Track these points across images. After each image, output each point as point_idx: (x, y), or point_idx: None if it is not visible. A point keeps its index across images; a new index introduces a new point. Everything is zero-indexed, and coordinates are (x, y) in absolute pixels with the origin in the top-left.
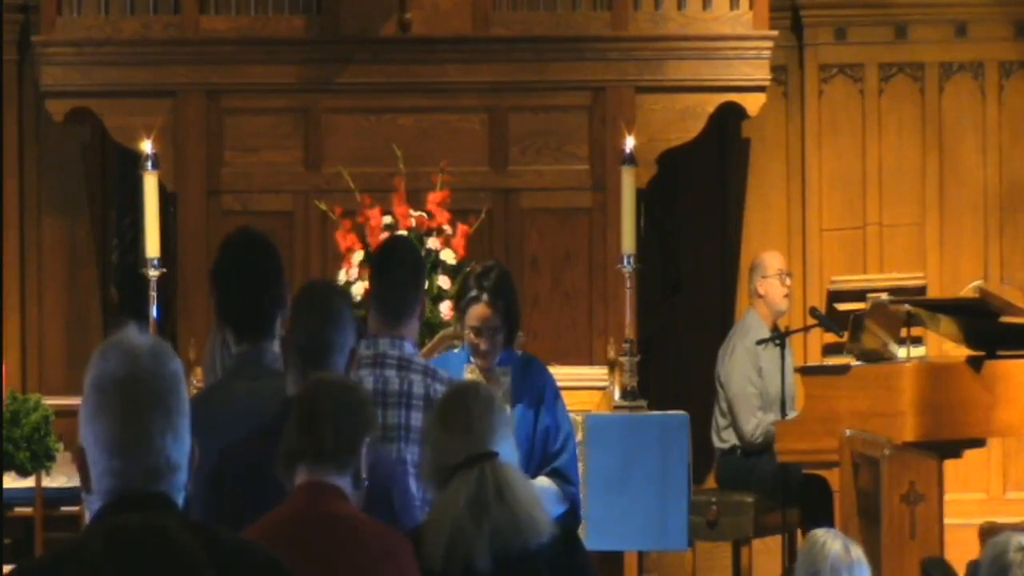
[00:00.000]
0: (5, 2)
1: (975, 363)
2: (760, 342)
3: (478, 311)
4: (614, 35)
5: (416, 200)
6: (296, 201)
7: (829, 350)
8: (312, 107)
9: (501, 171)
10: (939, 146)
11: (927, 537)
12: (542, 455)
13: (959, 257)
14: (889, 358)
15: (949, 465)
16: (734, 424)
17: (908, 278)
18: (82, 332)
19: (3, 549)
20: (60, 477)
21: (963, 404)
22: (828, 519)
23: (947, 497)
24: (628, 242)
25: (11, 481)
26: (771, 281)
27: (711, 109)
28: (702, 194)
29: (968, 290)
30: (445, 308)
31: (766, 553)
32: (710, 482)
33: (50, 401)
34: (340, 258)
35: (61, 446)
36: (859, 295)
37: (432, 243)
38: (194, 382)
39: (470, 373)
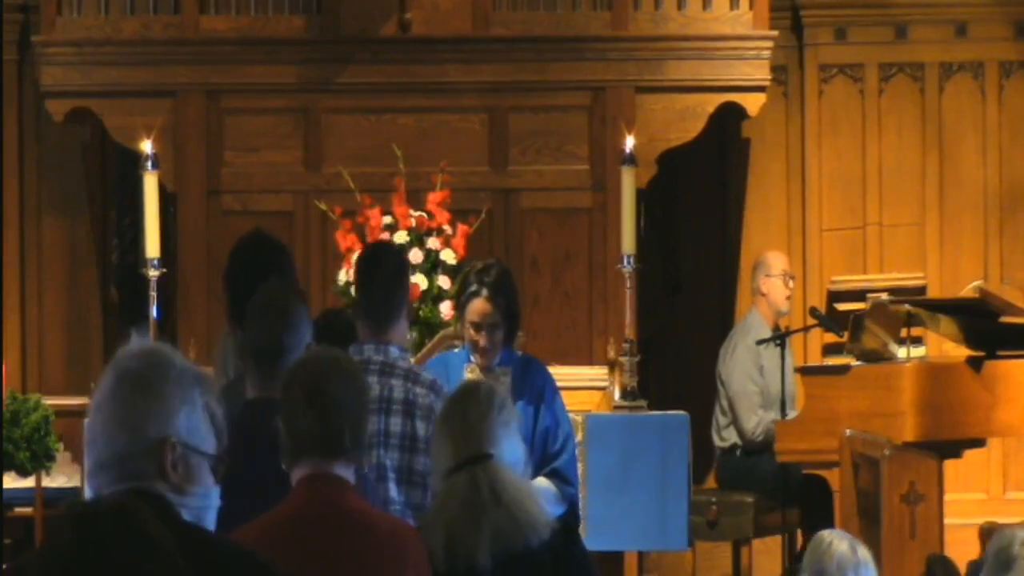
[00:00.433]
0: (5, 2)
1: (975, 363)
2: (760, 342)
3: (478, 306)
4: (614, 35)
5: (416, 200)
6: (296, 201)
7: (829, 350)
8: (312, 107)
9: (501, 171)
10: (939, 146)
11: (927, 537)
12: (541, 456)
13: (959, 257)
14: (889, 358)
15: (949, 465)
16: (735, 422)
17: (908, 278)
18: (82, 332)
19: (3, 549)
20: (60, 477)
21: (963, 404)
22: (828, 519)
23: (947, 497)
24: (628, 242)
25: (11, 481)
26: (774, 281)
27: (711, 109)
28: (702, 194)
29: (968, 290)
30: (445, 308)
31: (766, 553)
32: (710, 482)
33: (50, 401)
34: (340, 258)
35: (61, 446)
36: (859, 295)
37: (432, 243)
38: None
39: (470, 373)
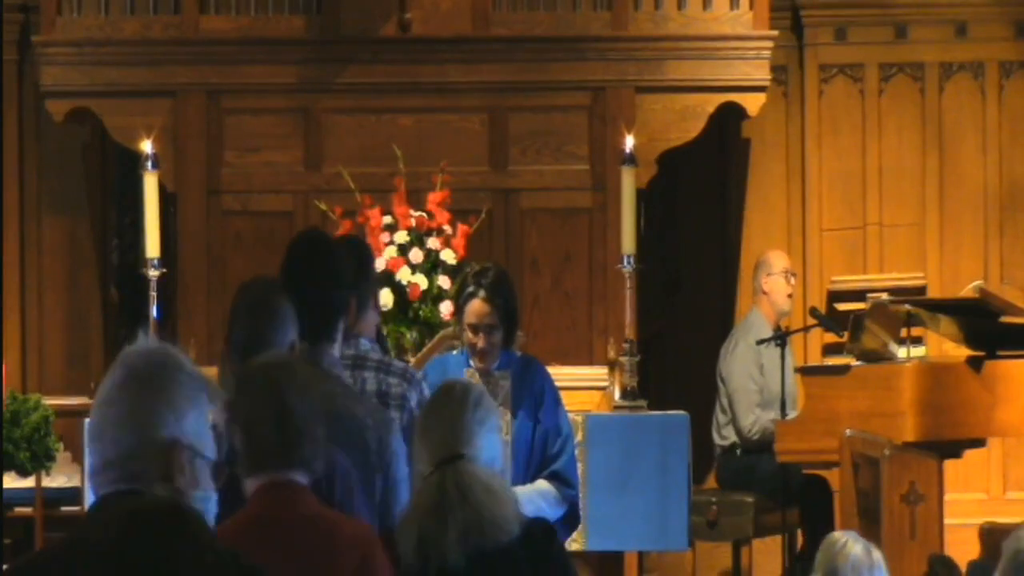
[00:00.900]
0: (5, 2)
1: (975, 363)
2: (760, 342)
3: (475, 307)
4: (614, 35)
5: (416, 200)
6: (296, 201)
7: (829, 350)
8: (312, 107)
9: (501, 171)
10: (939, 146)
11: (927, 537)
12: (541, 458)
13: (959, 257)
14: (889, 358)
15: (949, 465)
16: (733, 420)
17: (908, 278)
18: (82, 332)
19: (3, 549)
20: (60, 477)
21: (963, 404)
22: (828, 519)
23: (947, 497)
24: (628, 242)
25: (11, 481)
26: (776, 279)
27: (711, 109)
28: (702, 194)
29: (968, 290)
30: (445, 308)
31: (766, 553)
32: (710, 482)
33: (50, 401)
34: None
35: (61, 446)
36: (859, 295)
37: (432, 243)
38: None
39: (469, 377)
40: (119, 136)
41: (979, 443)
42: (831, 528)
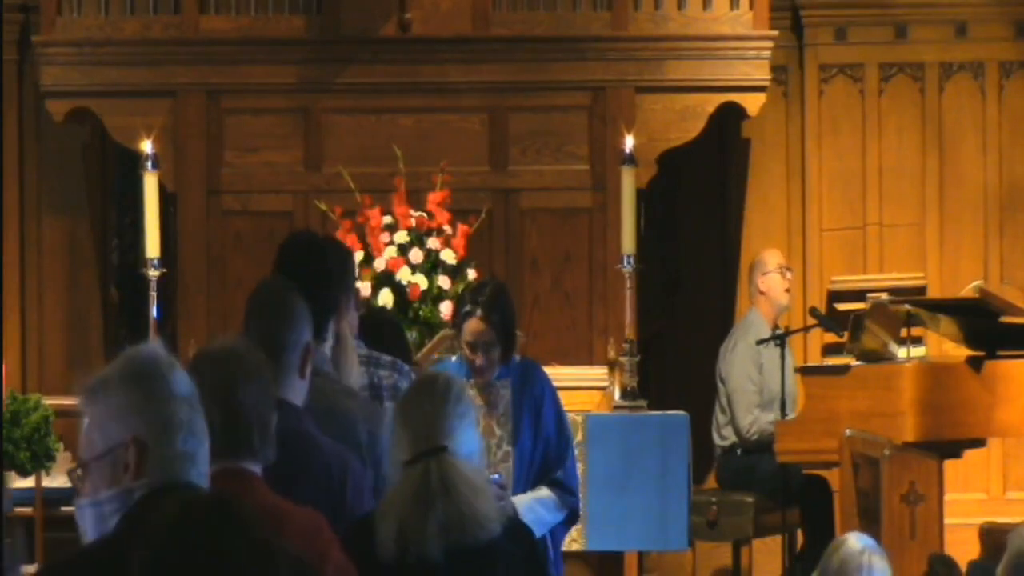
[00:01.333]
0: (5, 2)
1: (975, 363)
2: (760, 342)
3: (472, 326)
4: (614, 35)
5: (416, 200)
6: (296, 201)
7: (829, 350)
8: (312, 107)
9: (501, 171)
10: (939, 146)
11: (927, 537)
12: (542, 464)
13: (959, 257)
14: (889, 358)
15: (949, 465)
16: (731, 419)
17: (908, 278)
18: (82, 332)
19: (3, 549)
20: (60, 477)
21: (963, 404)
22: (828, 519)
23: (947, 497)
24: (628, 242)
25: (11, 481)
26: (772, 276)
27: (711, 109)
28: (702, 194)
29: (968, 290)
30: (445, 308)
31: (766, 553)
32: (710, 482)
33: (50, 401)
34: None
35: (61, 446)
36: (859, 295)
37: (432, 243)
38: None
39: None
40: (119, 136)
41: (979, 443)
42: (831, 528)
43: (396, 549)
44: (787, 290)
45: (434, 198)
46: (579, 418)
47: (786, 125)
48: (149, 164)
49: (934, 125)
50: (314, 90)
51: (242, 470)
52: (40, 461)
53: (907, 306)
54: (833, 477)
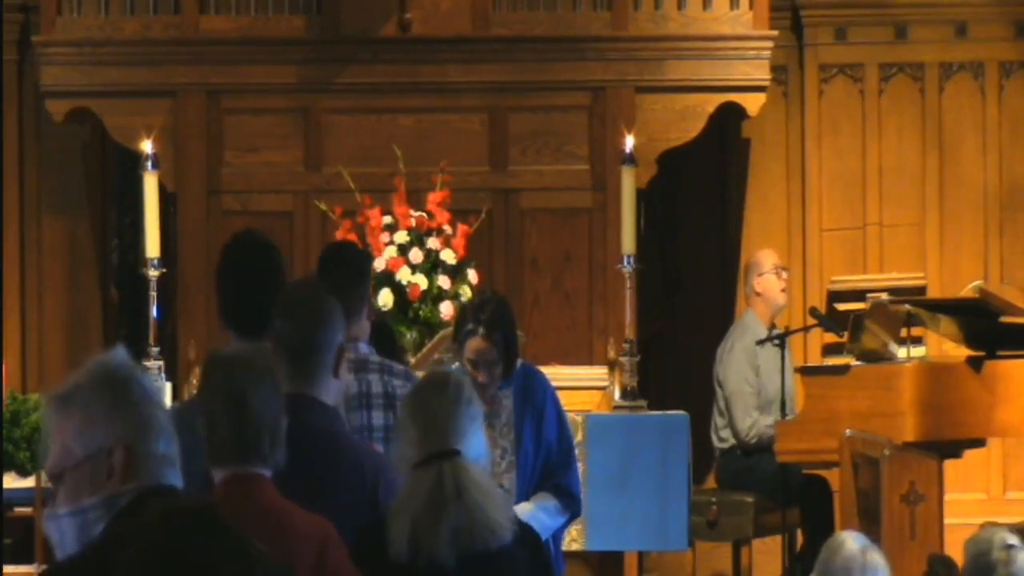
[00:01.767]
0: (5, 2)
1: (975, 363)
2: (760, 342)
3: (475, 344)
4: (614, 35)
5: (416, 200)
6: (296, 201)
7: (829, 350)
8: (312, 107)
9: (501, 171)
10: (939, 146)
11: (927, 537)
12: (544, 470)
13: (959, 257)
14: (889, 358)
15: (949, 465)
16: (730, 422)
17: (908, 278)
18: (82, 332)
19: (3, 549)
20: None
21: (963, 404)
22: (828, 519)
23: (947, 497)
24: (628, 242)
25: (11, 481)
26: (768, 277)
27: (711, 109)
28: (702, 194)
29: (968, 290)
30: (445, 308)
31: (766, 553)
32: (710, 482)
33: None
34: None
35: None
36: (859, 295)
37: (432, 243)
38: (194, 382)
39: None
40: (119, 136)
41: (979, 443)
42: (831, 528)
43: (408, 551)
44: (783, 290)
45: (434, 198)
46: (579, 418)
47: (786, 125)
48: (149, 164)
49: (934, 125)
50: (314, 90)
51: (252, 475)
52: (40, 461)
53: (907, 306)
54: (833, 477)
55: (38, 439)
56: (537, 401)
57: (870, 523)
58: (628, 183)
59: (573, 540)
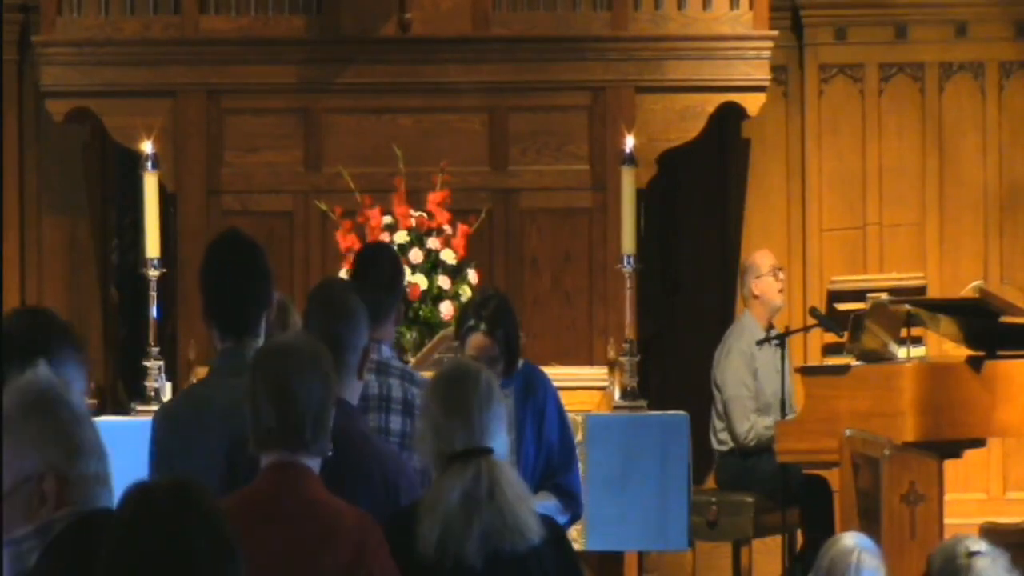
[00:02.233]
0: (5, 2)
1: (975, 363)
2: (760, 342)
3: (476, 341)
4: (614, 35)
5: (416, 200)
6: (296, 201)
7: (829, 350)
8: (312, 107)
9: (501, 171)
10: (939, 146)
11: (927, 537)
12: (545, 470)
13: (959, 257)
14: (889, 358)
15: (949, 465)
16: (728, 426)
17: (908, 278)
18: (82, 332)
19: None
20: None
21: (963, 404)
22: (828, 519)
23: (947, 497)
24: (628, 242)
25: None
26: (766, 279)
27: (711, 109)
28: (702, 194)
29: (968, 290)
30: (445, 308)
31: (766, 553)
32: (710, 482)
33: None
34: (340, 258)
35: None
36: (859, 295)
37: (432, 243)
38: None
39: None
40: (119, 136)
41: (979, 443)
42: (831, 528)
43: (436, 548)
44: (781, 291)
45: (434, 198)
46: (579, 418)
47: (786, 125)
48: (149, 164)
49: (934, 125)
50: (314, 90)
51: (294, 463)
52: None
53: (907, 306)
54: (833, 477)
55: None
56: (539, 400)
57: (870, 523)
58: (628, 183)
59: (573, 540)
